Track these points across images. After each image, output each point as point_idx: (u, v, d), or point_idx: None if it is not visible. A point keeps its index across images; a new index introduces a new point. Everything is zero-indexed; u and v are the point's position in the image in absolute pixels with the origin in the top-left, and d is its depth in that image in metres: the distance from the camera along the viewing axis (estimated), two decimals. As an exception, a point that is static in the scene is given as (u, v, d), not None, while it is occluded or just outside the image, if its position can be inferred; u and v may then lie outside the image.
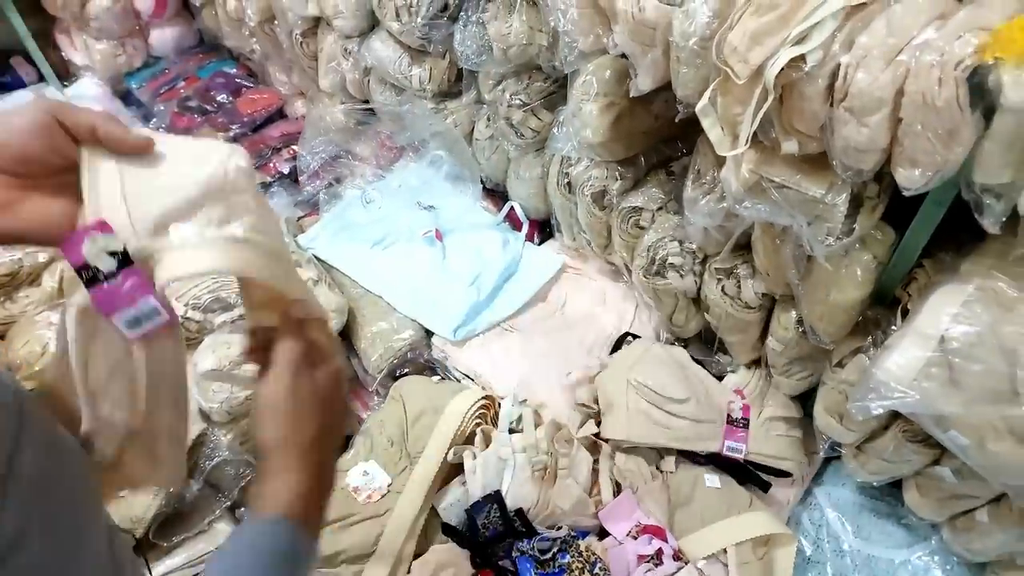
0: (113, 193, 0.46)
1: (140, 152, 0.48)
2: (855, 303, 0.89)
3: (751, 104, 0.72)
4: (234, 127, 2.09)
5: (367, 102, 1.67)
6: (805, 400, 1.16)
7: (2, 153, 0.46)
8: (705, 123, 0.76)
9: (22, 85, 2.37)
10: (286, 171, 1.91)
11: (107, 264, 0.44)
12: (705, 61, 0.79)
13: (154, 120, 2.20)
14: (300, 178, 1.77)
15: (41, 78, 2.38)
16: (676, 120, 0.90)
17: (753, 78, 0.71)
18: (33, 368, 1.38)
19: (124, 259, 0.44)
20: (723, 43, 0.72)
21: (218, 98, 2.19)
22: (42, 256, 1.53)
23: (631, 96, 1.04)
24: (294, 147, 1.98)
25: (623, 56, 1.02)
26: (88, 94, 2.30)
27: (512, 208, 1.44)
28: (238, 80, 2.28)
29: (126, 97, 2.38)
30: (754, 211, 0.82)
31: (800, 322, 0.99)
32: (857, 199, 0.81)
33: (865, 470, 1.02)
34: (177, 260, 0.46)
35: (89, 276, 0.44)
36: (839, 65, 0.68)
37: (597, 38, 0.92)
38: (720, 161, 0.97)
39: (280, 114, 2.20)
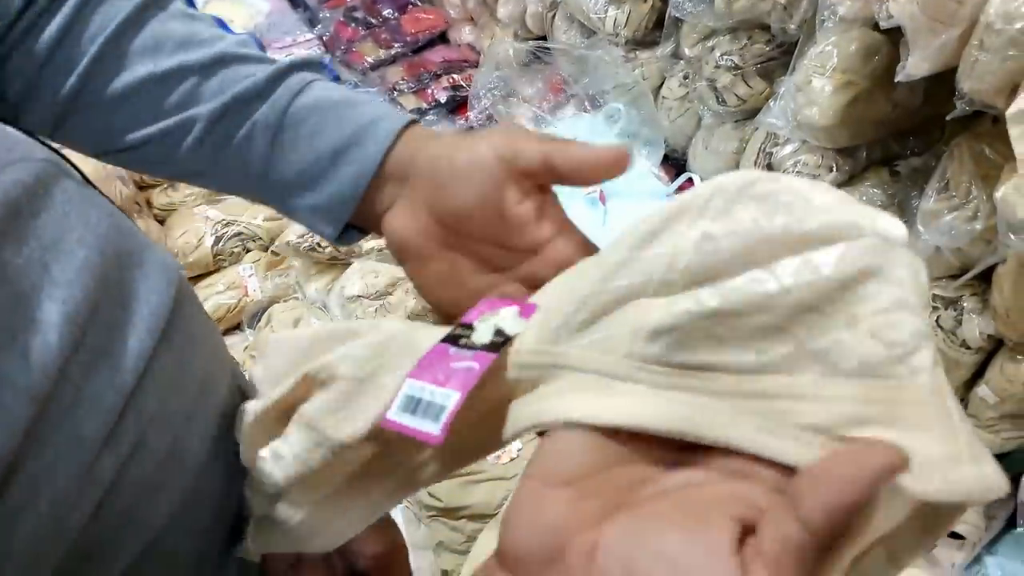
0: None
1: (614, 171, 0.36)
2: (1121, 373, 0.74)
3: (1084, 119, 0.58)
4: (396, 45, 2.04)
5: (543, 38, 1.57)
6: (999, 459, 1.02)
7: (438, 198, 0.39)
8: (1014, 131, 0.62)
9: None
10: (443, 100, 1.85)
11: (481, 335, 0.31)
12: (1022, 52, 0.65)
13: (319, 27, 2.19)
14: (469, 113, 1.70)
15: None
16: (947, 116, 0.76)
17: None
18: (187, 259, 1.41)
19: (498, 346, 0.30)
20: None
21: (384, 12, 2.14)
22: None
23: (876, 78, 0.89)
24: (455, 75, 1.91)
25: (879, 31, 0.87)
26: (259, -9, 2.31)
27: (690, 180, 1.31)
28: (406, -4, 2.22)
29: (294, 0, 2.37)
30: (1031, 245, 0.68)
31: (1033, 377, 0.84)
32: None
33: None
34: (578, 399, 0.27)
35: (455, 334, 0.31)
36: None
37: (866, 4, 0.78)
38: (983, 174, 0.82)
39: (442, 38, 2.13)
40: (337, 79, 1.94)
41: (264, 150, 0.42)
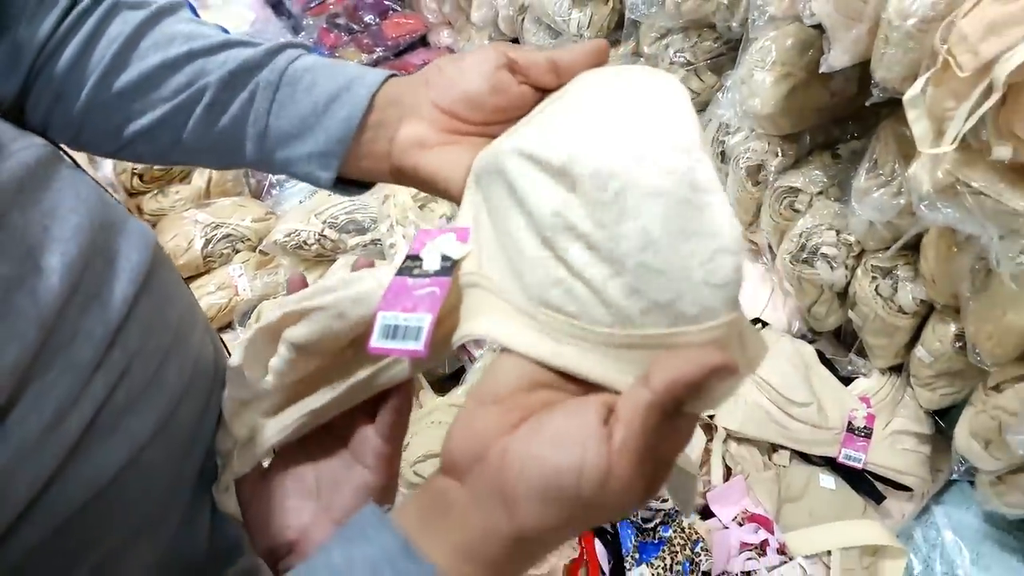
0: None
1: (596, 60, 0.40)
2: (1032, 328, 0.82)
3: (969, 100, 0.66)
4: (378, 49, 2.11)
5: (516, 40, 1.64)
6: (939, 416, 1.10)
7: (449, 92, 0.43)
8: (911, 114, 0.70)
9: (184, -15, 2.46)
10: (424, 100, 1.92)
11: (431, 263, 0.36)
12: (918, 44, 0.73)
13: (303, 34, 2.25)
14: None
15: (201, -20, 2.46)
16: (865, 103, 0.83)
17: (979, 72, 0.64)
18: (178, 261, 1.48)
19: (448, 269, 0.36)
20: (950, 29, 0.65)
21: (366, 18, 2.20)
22: (195, 156, 1.61)
23: (812, 70, 0.97)
24: (434, 76, 1.98)
25: (813, 26, 0.95)
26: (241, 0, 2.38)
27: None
28: (386, 2, 2.29)
29: (278, 7, 2.43)
30: (940, 215, 0.76)
31: (959, 336, 0.93)
32: (1063, 217, 0.74)
33: (1001, 500, 0.96)
34: (490, 320, 0.34)
35: (406, 266, 0.37)
36: (1086, 69, 0.60)
37: (791, 3, 0.86)
38: (905, 153, 0.90)
39: (423, 41, 2.20)
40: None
41: (265, 106, 0.46)
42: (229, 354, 0.58)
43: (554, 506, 0.29)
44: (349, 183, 0.49)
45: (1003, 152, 0.68)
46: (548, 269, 0.32)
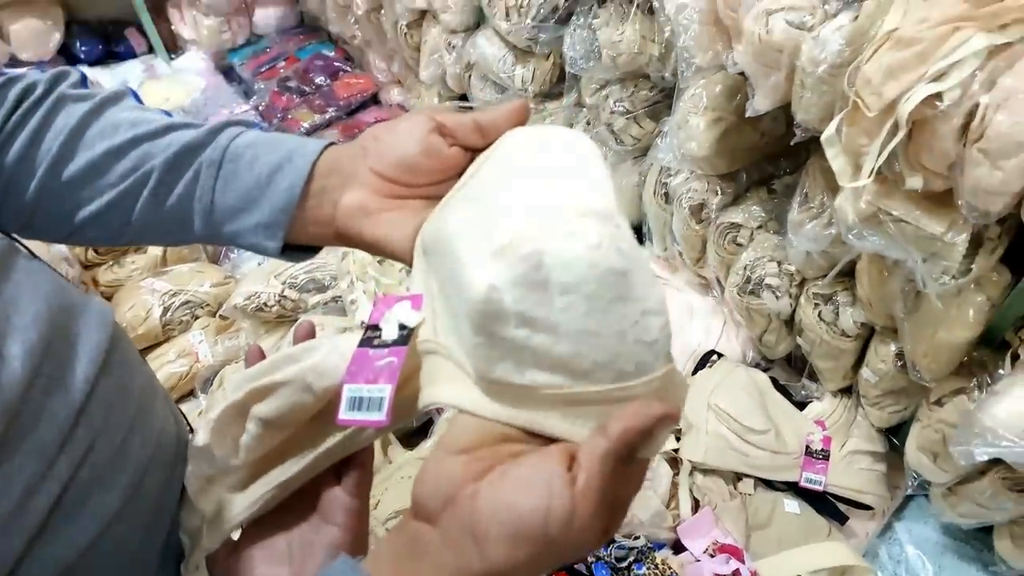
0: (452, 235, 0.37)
1: (517, 119, 0.42)
2: (963, 343, 0.86)
3: (879, 137, 0.71)
4: (330, 110, 2.15)
5: (464, 97, 1.70)
6: (892, 434, 1.14)
7: (385, 159, 0.45)
8: (829, 152, 0.75)
9: (133, 55, 2.49)
10: (378, 157, 1.96)
11: (389, 333, 0.38)
12: (831, 88, 0.78)
13: (254, 98, 2.28)
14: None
15: (151, 50, 2.50)
16: (791, 142, 0.89)
17: (884, 111, 0.70)
18: (136, 332, 1.46)
19: (405, 338, 0.38)
20: (856, 74, 0.71)
21: (316, 80, 2.25)
22: (151, 225, 1.61)
23: (741, 113, 1.03)
24: (386, 134, 2.02)
25: (739, 74, 1.02)
26: (193, 67, 2.41)
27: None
28: (336, 64, 2.34)
29: (228, 73, 2.47)
30: (867, 243, 0.81)
31: (899, 356, 0.97)
32: (977, 239, 0.79)
33: (955, 512, 0.99)
34: (450, 389, 0.37)
35: (367, 336, 0.39)
36: (977, 105, 0.66)
37: (716, 55, 0.91)
38: (831, 186, 0.96)
39: (374, 100, 2.25)
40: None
41: (210, 183, 0.48)
42: (188, 424, 0.59)
43: (523, 546, 0.31)
44: (297, 249, 0.51)
45: (915, 182, 0.74)
46: (488, 351, 0.34)
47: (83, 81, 0.51)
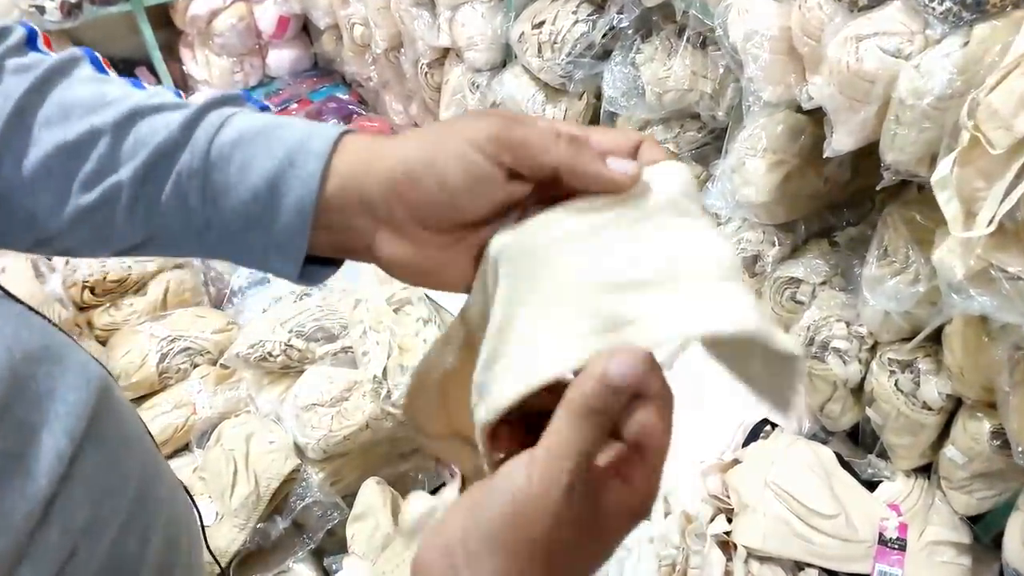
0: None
1: (617, 190, 0.33)
2: (1081, 422, 0.74)
3: (1004, 179, 0.60)
4: (344, 152, 2.08)
5: (487, 138, 1.62)
6: (973, 521, 1.00)
7: (423, 209, 0.35)
8: (941, 196, 0.64)
9: (144, 94, 2.44)
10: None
11: None
12: (935, 123, 0.68)
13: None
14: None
15: (162, 89, 2.45)
16: (877, 186, 0.79)
17: (1013, 148, 0.59)
18: (130, 379, 1.35)
19: None
20: (978, 105, 0.60)
21: (330, 122, 2.19)
22: (151, 265, 1.51)
23: (805, 156, 0.93)
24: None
25: (802, 112, 0.92)
26: (205, 108, 2.35)
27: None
28: (350, 106, 2.29)
29: (240, 114, 2.42)
30: (973, 303, 0.70)
31: (995, 434, 0.85)
32: (1106, 302, 0.68)
33: (1064, 620, 0.85)
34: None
35: None
36: None
37: (787, 88, 0.82)
38: (917, 237, 0.85)
39: (389, 142, 2.18)
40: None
41: (197, 200, 0.37)
42: (193, 501, 0.46)
43: (506, 549, 0.29)
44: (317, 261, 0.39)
45: (1043, 234, 0.63)
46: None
47: (31, 40, 0.39)
